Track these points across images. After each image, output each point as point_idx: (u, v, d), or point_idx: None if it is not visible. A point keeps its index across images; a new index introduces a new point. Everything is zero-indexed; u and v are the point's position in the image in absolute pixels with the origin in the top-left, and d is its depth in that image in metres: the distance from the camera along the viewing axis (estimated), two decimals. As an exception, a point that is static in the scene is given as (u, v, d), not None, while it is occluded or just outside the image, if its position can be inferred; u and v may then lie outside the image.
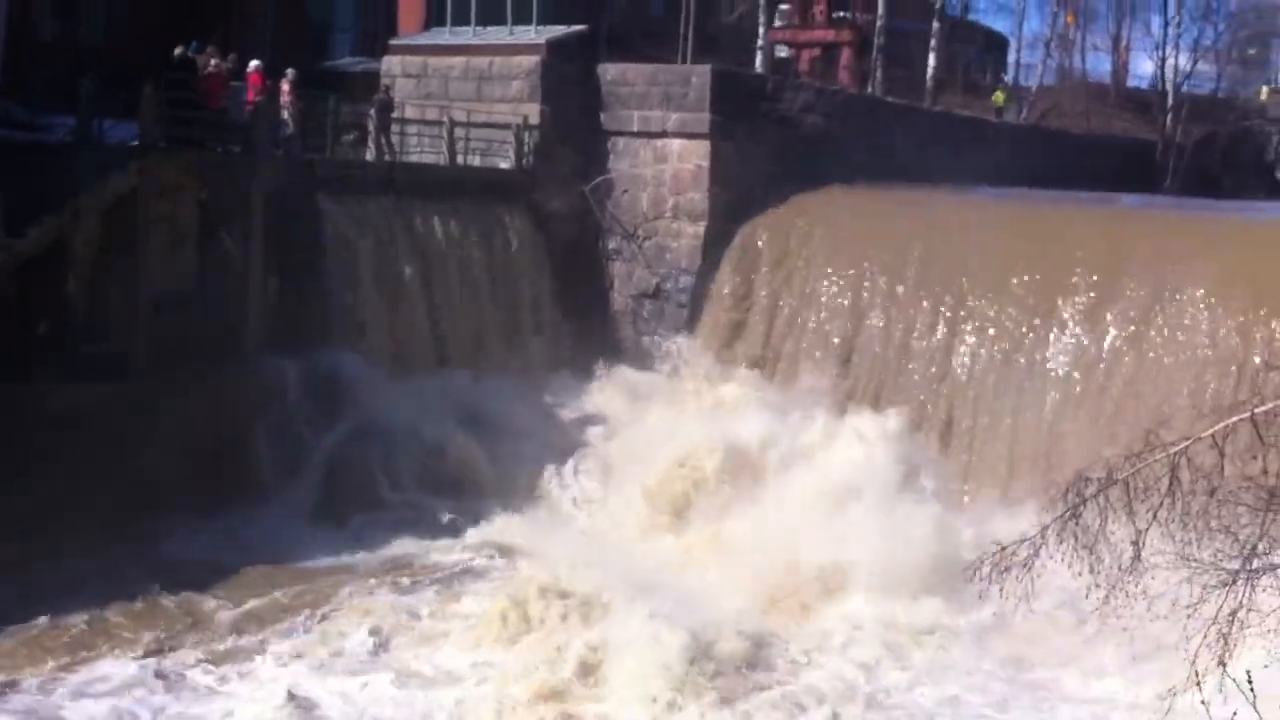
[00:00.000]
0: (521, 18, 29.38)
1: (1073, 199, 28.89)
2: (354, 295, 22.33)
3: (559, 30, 28.59)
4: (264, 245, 21.13)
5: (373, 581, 17.70)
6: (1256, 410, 7.75)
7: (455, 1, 30.42)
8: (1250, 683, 6.56)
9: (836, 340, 23.73)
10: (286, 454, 20.41)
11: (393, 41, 30.46)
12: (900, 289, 23.22)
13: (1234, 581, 7.60)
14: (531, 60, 27.08)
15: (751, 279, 25.73)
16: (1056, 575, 7.81)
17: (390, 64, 28.88)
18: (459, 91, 27.67)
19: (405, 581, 17.78)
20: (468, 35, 29.63)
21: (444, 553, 19.00)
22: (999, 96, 41.87)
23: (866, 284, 23.81)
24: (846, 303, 23.93)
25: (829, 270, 24.54)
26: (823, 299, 24.35)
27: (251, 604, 16.51)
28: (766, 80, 30.45)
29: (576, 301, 26.55)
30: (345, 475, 20.11)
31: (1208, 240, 21.13)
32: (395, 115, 26.01)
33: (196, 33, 22.69)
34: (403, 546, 19.11)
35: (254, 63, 22.85)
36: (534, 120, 26.48)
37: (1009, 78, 51.32)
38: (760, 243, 25.94)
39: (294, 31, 32.15)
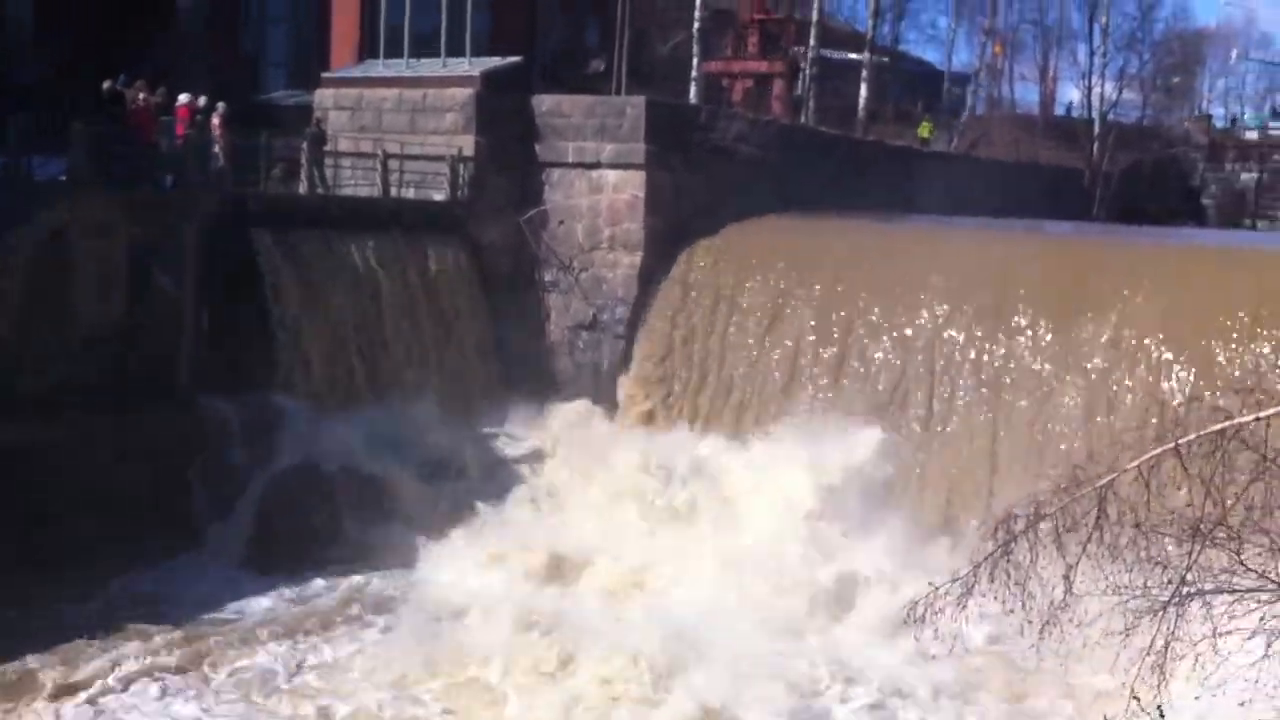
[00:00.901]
0: (455, 50, 29.40)
1: (1003, 227, 29.28)
2: (288, 331, 22.12)
3: (493, 62, 28.63)
4: (196, 281, 20.93)
5: (285, 629, 17.36)
6: (1181, 441, 7.88)
7: (388, 34, 30.37)
8: (1162, 716, 6.65)
9: (772, 369, 23.82)
10: (220, 493, 20.14)
11: (326, 74, 30.33)
12: (832, 317, 23.38)
13: (1164, 611, 7.72)
14: (466, 92, 27.07)
15: (687, 309, 25.79)
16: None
17: (323, 96, 28.75)
18: (393, 124, 27.59)
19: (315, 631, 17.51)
20: (401, 67, 29.59)
21: (376, 595, 18.80)
22: (925, 129, 42.34)
23: (798, 312, 23.95)
24: (781, 331, 24.06)
25: (763, 299, 24.67)
26: (757, 327, 24.46)
27: (129, 666, 15.74)
28: (701, 111, 30.66)
29: (513, 334, 26.47)
30: (280, 515, 19.83)
31: (1129, 268, 21.42)
32: (329, 148, 25.90)
33: (125, 67, 22.45)
34: (336, 590, 18.83)
35: (183, 96, 22.67)
36: (469, 152, 26.45)
37: (940, 106, 52.01)
38: (695, 273, 26.03)
39: (225, 65, 31.96)
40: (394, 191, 25.94)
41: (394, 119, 27.72)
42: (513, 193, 26.89)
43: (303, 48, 34.78)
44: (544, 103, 27.49)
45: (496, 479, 22.17)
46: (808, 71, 40.61)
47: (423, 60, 29.58)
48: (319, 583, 18.95)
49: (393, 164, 25.80)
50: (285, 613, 17.92)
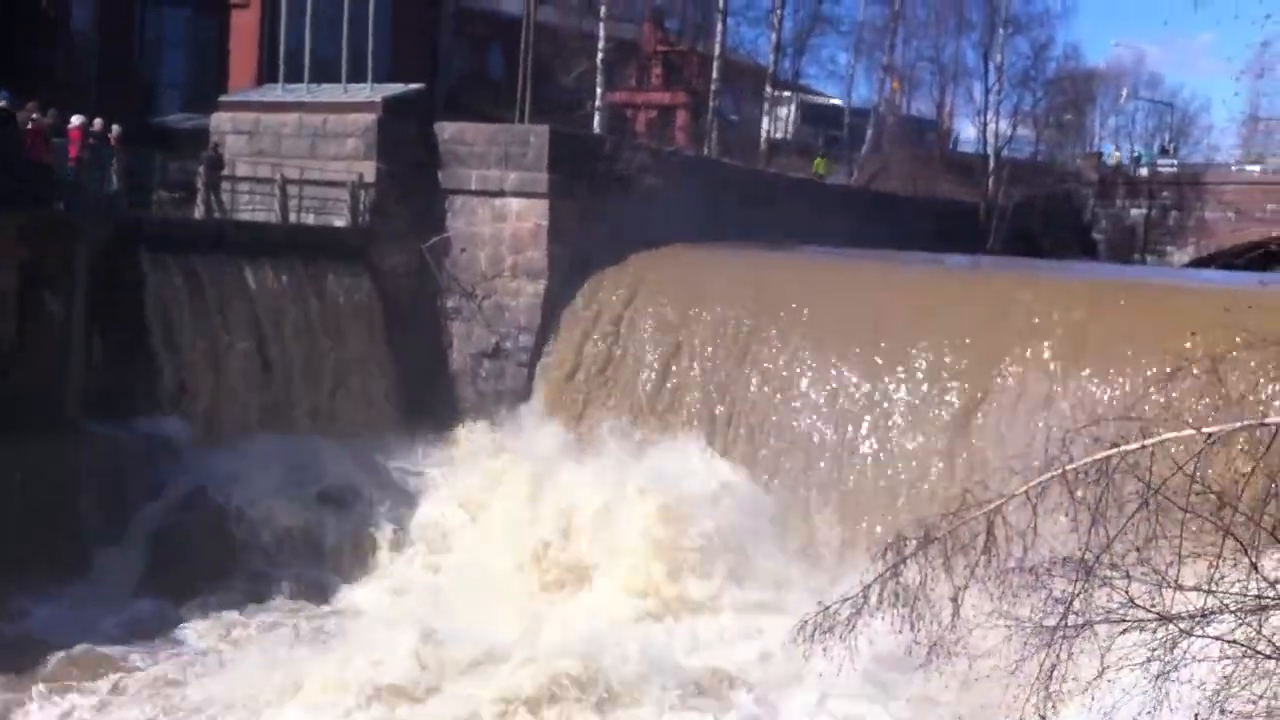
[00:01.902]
0: (356, 76, 29.23)
1: (901, 259, 29.73)
2: (181, 357, 21.73)
3: (395, 88, 28.50)
4: (87, 306, 20.46)
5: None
6: (1068, 468, 8.01)
7: (288, 59, 30.10)
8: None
9: (673, 398, 23.92)
10: (110, 523, 19.65)
11: (223, 98, 29.94)
12: (733, 347, 23.56)
13: (1052, 638, 7.80)
14: (367, 118, 26.89)
15: (590, 337, 25.81)
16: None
17: (221, 120, 28.37)
18: (292, 149, 27.29)
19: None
20: (301, 92, 29.32)
21: (267, 628, 18.46)
22: (820, 165, 42.81)
23: (699, 341, 24.10)
24: (682, 361, 24.18)
25: (666, 328, 24.79)
26: (659, 356, 24.56)
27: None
28: (604, 141, 30.79)
29: (414, 361, 26.25)
30: (172, 546, 19.42)
31: (1018, 298, 21.85)
32: (226, 172, 25.53)
33: (16, 88, 21.93)
34: (226, 622, 18.43)
35: (76, 118, 22.18)
36: (370, 178, 26.26)
37: (840, 140, 52.78)
38: (599, 302, 26.08)
39: (120, 87, 31.37)
40: (293, 217, 25.65)
41: (294, 144, 27.43)
42: (415, 219, 26.73)
43: (200, 71, 34.31)
44: (446, 130, 27.41)
45: (393, 510, 21.86)
46: (711, 104, 40.99)
47: (323, 86, 29.35)
48: (207, 614, 18.50)
49: (292, 189, 25.52)
50: (166, 647, 17.51)
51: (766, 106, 43.05)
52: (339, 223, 26.14)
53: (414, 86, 28.91)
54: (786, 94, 51.73)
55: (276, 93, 29.77)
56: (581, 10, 39.41)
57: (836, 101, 55.49)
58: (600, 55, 37.28)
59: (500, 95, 33.00)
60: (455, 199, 27.14)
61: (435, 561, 20.70)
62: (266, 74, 31.45)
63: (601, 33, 37.34)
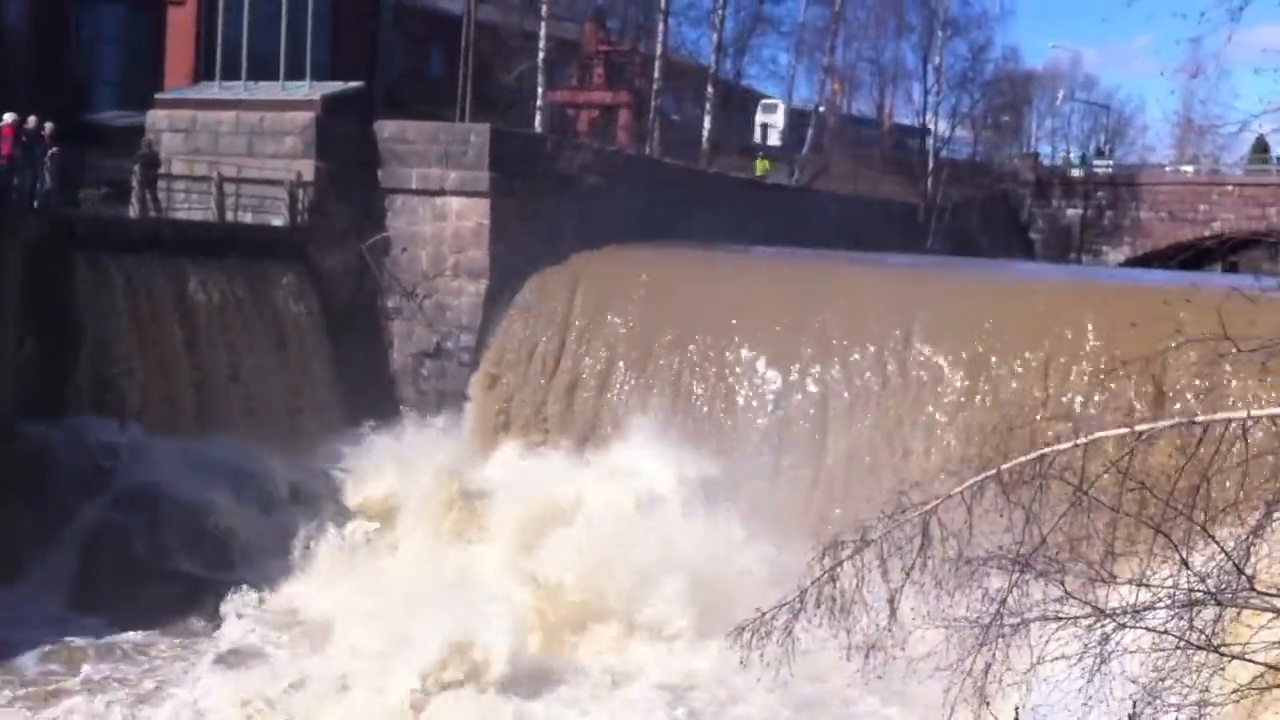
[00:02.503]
0: (295, 74, 28.93)
1: (841, 259, 29.92)
2: (116, 357, 21.38)
3: (334, 86, 28.25)
4: (19, 305, 20.11)
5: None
6: (1003, 468, 8.07)
7: (225, 56, 29.72)
8: (1003, 728, 6.78)
9: (616, 396, 23.92)
10: (44, 525, 19.31)
11: (159, 95, 29.53)
12: (672, 344, 23.61)
13: (986, 636, 7.86)
14: (306, 116, 26.64)
15: (532, 337, 25.74)
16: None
17: (156, 118, 27.98)
18: (229, 147, 26.99)
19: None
20: (239, 90, 28.97)
21: (206, 632, 18.21)
22: (760, 165, 42.78)
23: (640, 340, 24.13)
24: (624, 358, 24.19)
25: (607, 329, 24.79)
26: (602, 355, 24.56)
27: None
28: (546, 140, 30.72)
29: (354, 361, 26.03)
30: (107, 548, 19.13)
31: (960, 298, 22.08)
32: (162, 171, 25.17)
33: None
34: (164, 625, 18.19)
35: (8, 116, 21.82)
36: (308, 177, 26.01)
37: (779, 142, 52.96)
38: (541, 301, 26.01)
39: (54, 84, 30.84)
40: (231, 216, 25.33)
41: (231, 142, 27.13)
42: (354, 219, 26.52)
43: (136, 68, 33.77)
44: (386, 128, 27.22)
45: (335, 510, 21.65)
46: (653, 103, 40.99)
47: (260, 83, 29.01)
48: (140, 617, 18.21)
49: (229, 188, 25.21)
50: (103, 651, 17.22)
51: (709, 106, 43.05)
52: (277, 222, 25.86)
53: (353, 84, 28.67)
54: (773, 101, 52.24)
55: (213, 90, 29.39)
56: (522, 9, 39.23)
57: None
58: (541, 54, 37.14)
59: (441, 94, 32.76)
60: (395, 198, 26.96)
61: (376, 562, 20.49)
62: (203, 71, 31.02)
63: (543, 32, 37.20)
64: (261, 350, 24.17)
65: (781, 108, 52.15)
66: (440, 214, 26.72)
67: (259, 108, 27.44)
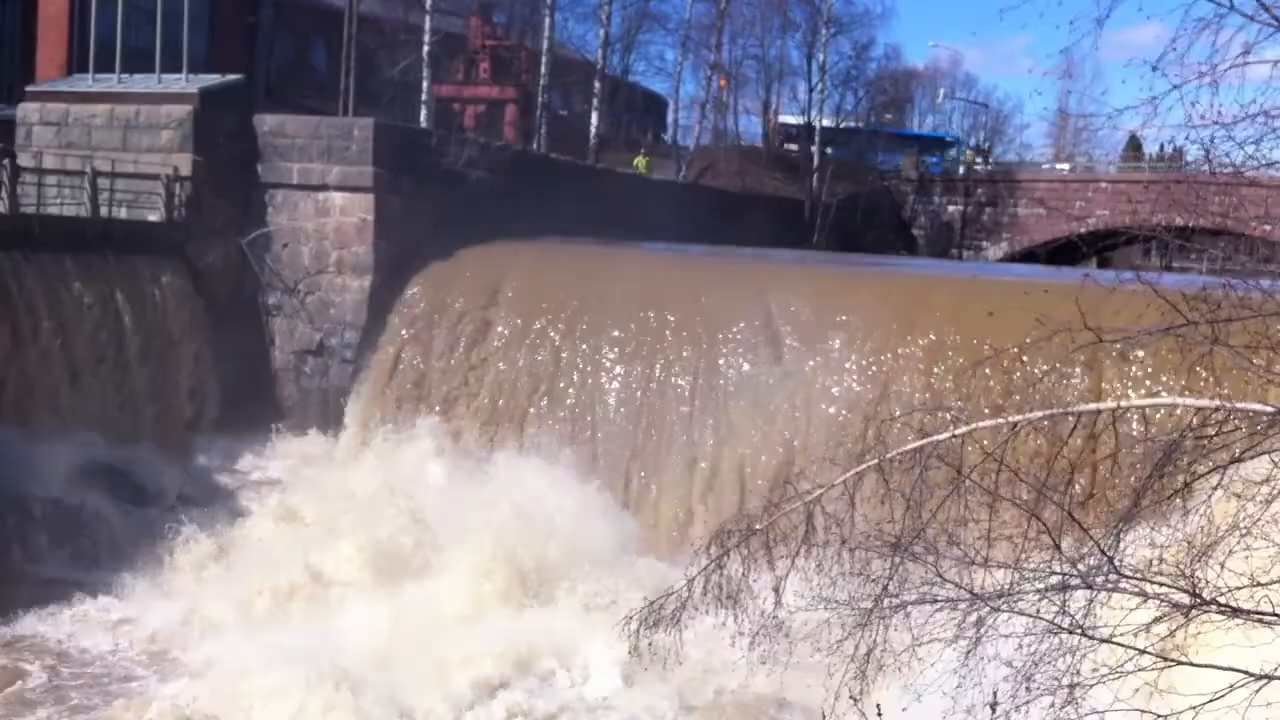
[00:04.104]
0: (171, 66, 28.27)
1: (727, 254, 30.14)
2: (-17, 356, 20.67)
3: (212, 79, 27.64)
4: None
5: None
6: (883, 458, 8.19)
7: (99, 49, 28.95)
8: (880, 715, 6.88)
9: (504, 391, 23.80)
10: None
11: (30, 88, 28.65)
12: (557, 339, 23.59)
13: (868, 620, 7.98)
14: (183, 109, 26.04)
15: (419, 333, 25.47)
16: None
17: (27, 111, 27.18)
18: (104, 140, 26.28)
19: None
20: (113, 83, 28.21)
21: (81, 636, 17.67)
22: (640, 162, 42.70)
23: (526, 335, 24.04)
24: (511, 354, 24.08)
25: (493, 323, 24.65)
26: (487, 351, 24.42)
27: None
28: (431, 134, 30.43)
29: (234, 359, 25.51)
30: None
31: (841, 292, 22.36)
32: (33, 164, 24.39)
33: None
34: (28, 627, 17.59)
35: None
36: (186, 171, 25.42)
37: (668, 137, 53.20)
38: (427, 297, 25.76)
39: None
40: (105, 211, 24.63)
41: (105, 135, 26.42)
42: (234, 214, 26.02)
43: (6, 60, 32.78)
44: (266, 122, 26.74)
45: (211, 511, 21.13)
46: (540, 99, 40.86)
47: (136, 76, 28.30)
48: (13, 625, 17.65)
49: (103, 182, 24.51)
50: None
51: (595, 102, 43.02)
52: (153, 217, 25.23)
53: (232, 77, 28.08)
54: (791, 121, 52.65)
55: (87, 83, 28.57)
56: (407, 2, 38.82)
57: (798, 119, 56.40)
58: (426, 48, 36.80)
59: (324, 87, 32.32)
60: (277, 193, 26.51)
61: (240, 564, 20.01)
62: (77, 63, 30.20)
63: (428, 25, 36.85)
64: (137, 348, 23.52)
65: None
66: (323, 209, 26.32)
67: (134, 101, 26.76)
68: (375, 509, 20.33)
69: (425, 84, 37.01)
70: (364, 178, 26.12)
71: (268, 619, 17.61)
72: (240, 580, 18.62)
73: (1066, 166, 59.43)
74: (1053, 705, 6.63)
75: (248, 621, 17.56)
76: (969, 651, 7.58)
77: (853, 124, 55.22)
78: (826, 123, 53.25)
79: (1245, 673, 5.91)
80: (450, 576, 18.30)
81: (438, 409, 24.58)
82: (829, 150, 52.60)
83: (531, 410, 23.18)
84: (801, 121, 54.97)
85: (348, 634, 16.63)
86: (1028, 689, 6.76)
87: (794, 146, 55.39)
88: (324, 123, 27.06)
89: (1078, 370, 17.01)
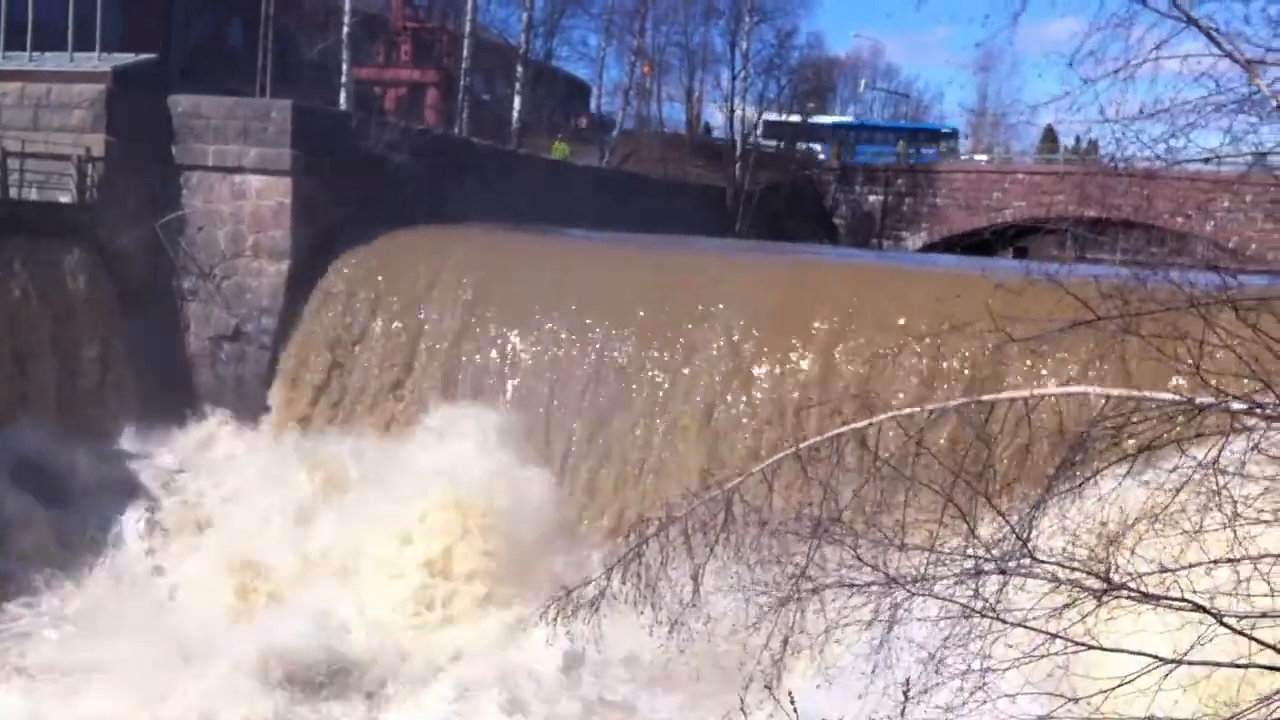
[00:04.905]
0: (84, 44, 27.66)
1: (652, 241, 30.12)
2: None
3: (126, 58, 27.07)
4: None
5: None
6: (800, 446, 8.24)
7: (9, 25, 28.25)
8: (793, 702, 6.92)
9: (422, 374, 23.64)
10: None
11: (-65, 64, 27.88)
12: (477, 325, 23.47)
13: (785, 605, 8.03)
14: (95, 89, 25.46)
15: (337, 318, 25.17)
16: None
17: (-68, 88, 26.41)
18: (13, 119, 25.59)
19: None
20: (23, 61, 27.56)
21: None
22: (558, 149, 42.59)
23: (446, 320, 23.89)
24: (431, 338, 23.92)
25: (414, 308, 24.46)
26: (407, 335, 24.23)
27: None
28: (350, 117, 30.09)
29: (149, 345, 25.01)
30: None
31: (762, 281, 22.46)
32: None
33: None
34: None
35: None
36: (98, 152, 24.85)
37: (586, 122, 53.03)
38: (346, 282, 25.47)
39: None
40: (14, 193, 24.04)
41: (14, 115, 25.74)
42: (148, 196, 25.49)
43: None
44: (181, 103, 26.24)
45: (127, 502, 20.73)
46: (461, 82, 40.56)
47: (47, 54, 27.66)
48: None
49: (12, 163, 23.92)
50: None
51: (518, 86, 42.79)
52: (65, 199, 24.67)
53: (146, 57, 27.52)
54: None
55: (-4, 60, 27.89)
56: (327, -18, 38.32)
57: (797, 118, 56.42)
58: (346, 29, 36.36)
59: (241, 68, 31.78)
60: (192, 175, 26.03)
61: (158, 561, 19.72)
62: (-15, 40, 29.41)
63: (347, 6, 36.41)
64: (47, 334, 22.98)
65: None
66: (239, 192, 25.90)
67: (45, 79, 26.11)
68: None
69: (345, 66, 36.57)
70: (281, 160, 25.74)
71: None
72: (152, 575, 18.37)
73: (985, 158, 60.21)
74: (961, 689, 6.70)
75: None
76: (884, 635, 7.67)
77: (850, 119, 55.71)
78: (794, 118, 53.83)
79: (1155, 657, 6.01)
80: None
81: (356, 396, 24.34)
82: (815, 146, 53.20)
83: (450, 396, 23.00)
84: (782, 118, 55.30)
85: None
86: (938, 671, 6.83)
87: (776, 142, 55.80)
88: (240, 104, 26.62)
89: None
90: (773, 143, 55.20)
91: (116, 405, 23.83)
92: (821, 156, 57.03)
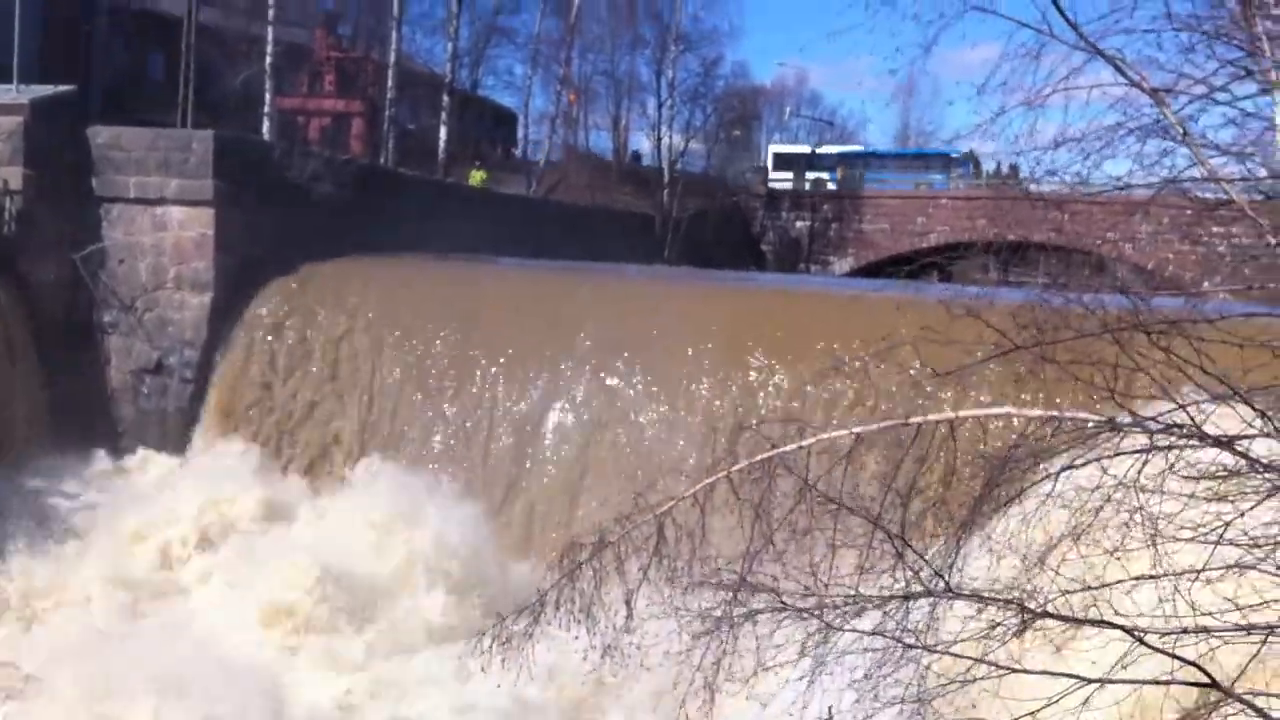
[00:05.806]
0: (0, 77, 27.21)
1: (581, 269, 30.18)
2: None
3: (44, 90, 26.64)
4: None
5: None
6: (732, 470, 8.28)
7: (-78, 55, 27.75)
8: (728, 730, 6.93)
9: (353, 410, 23.45)
10: None
11: None
12: (400, 357, 23.34)
13: (717, 629, 8.05)
14: (13, 121, 25.01)
15: (262, 350, 24.90)
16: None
17: None
18: (-73, 152, 25.13)
19: None
20: (-62, 92, 27.05)
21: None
22: (475, 176, 42.32)
23: (376, 353, 23.73)
24: (359, 373, 23.75)
25: (340, 340, 24.29)
26: (334, 368, 24.04)
27: None
28: (273, 147, 29.86)
29: (69, 379, 24.57)
30: None
31: (691, 306, 22.59)
32: None
33: None
34: None
35: None
36: (16, 185, 24.43)
37: (518, 151, 53.08)
38: (271, 314, 25.22)
39: None
40: (-72, 226, 23.59)
41: (-72, 147, 25.26)
42: (67, 229, 25.09)
43: None
44: (101, 134, 25.89)
45: (30, 543, 20.22)
46: (387, 113, 40.42)
47: (-38, 86, 27.18)
48: None
49: (-74, 196, 23.47)
50: None
51: (444, 116, 42.70)
52: (-19, 232, 24.22)
53: (65, 88, 27.11)
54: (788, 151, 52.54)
55: (-92, 91, 27.33)
56: (249, 12, 38.02)
57: (805, 149, 56.33)
58: (269, 59, 36.09)
59: (163, 99, 31.45)
60: (112, 207, 25.66)
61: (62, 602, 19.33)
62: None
63: (270, 36, 36.16)
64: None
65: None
66: (161, 224, 25.57)
67: (-40, 111, 25.66)
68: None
69: (268, 96, 36.28)
70: (204, 191, 25.47)
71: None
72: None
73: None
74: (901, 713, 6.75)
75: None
76: (817, 665, 7.70)
77: (857, 148, 55.95)
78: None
79: (1079, 678, 6.08)
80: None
81: (276, 429, 24.08)
82: (827, 175, 53.34)
83: (376, 433, 22.86)
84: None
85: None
86: (876, 698, 6.88)
87: (787, 174, 55.37)
88: (161, 135, 26.32)
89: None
90: (784, 175, 55.47)
91: (31, 441, 23.26)
92: (831, 186, 56.82)
